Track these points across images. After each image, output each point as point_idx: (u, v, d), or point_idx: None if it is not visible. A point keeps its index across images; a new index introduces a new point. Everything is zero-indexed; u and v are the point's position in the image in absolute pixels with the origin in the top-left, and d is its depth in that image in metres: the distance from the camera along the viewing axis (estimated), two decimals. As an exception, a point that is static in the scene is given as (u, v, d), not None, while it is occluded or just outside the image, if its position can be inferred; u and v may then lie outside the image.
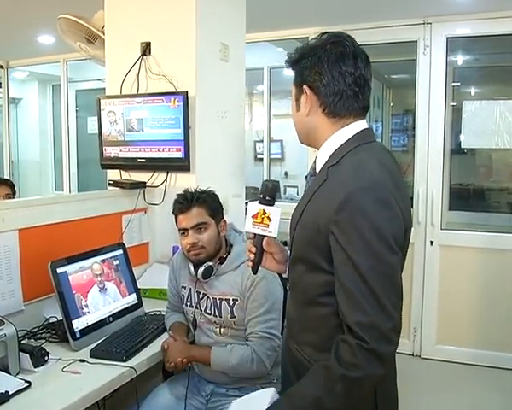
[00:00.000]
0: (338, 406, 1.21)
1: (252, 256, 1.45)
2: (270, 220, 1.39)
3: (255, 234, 1.43)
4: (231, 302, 2.14)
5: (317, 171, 1.37)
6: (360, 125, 1.35)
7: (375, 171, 1.24)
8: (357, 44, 1.35)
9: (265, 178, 5.00)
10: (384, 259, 1.17)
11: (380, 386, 1.29)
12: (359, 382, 1.18)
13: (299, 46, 1.40)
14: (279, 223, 1.40)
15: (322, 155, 1.36)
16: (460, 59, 4.83)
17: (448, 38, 4.11)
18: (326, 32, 1.37)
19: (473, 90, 5.42)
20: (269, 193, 1.41)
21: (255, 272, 1.49)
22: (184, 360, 2.06)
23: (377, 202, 1.19)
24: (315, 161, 1.45)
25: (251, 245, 1.45)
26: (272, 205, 1.41)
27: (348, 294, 1.18)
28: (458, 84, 4.89)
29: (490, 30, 4.00)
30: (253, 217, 1.41)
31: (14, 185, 3.69)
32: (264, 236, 1.42)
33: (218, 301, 2.16)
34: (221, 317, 2.16)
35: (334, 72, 1.31)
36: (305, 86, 1.36)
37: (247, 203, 3.43)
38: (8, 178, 5.37)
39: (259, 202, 1.41)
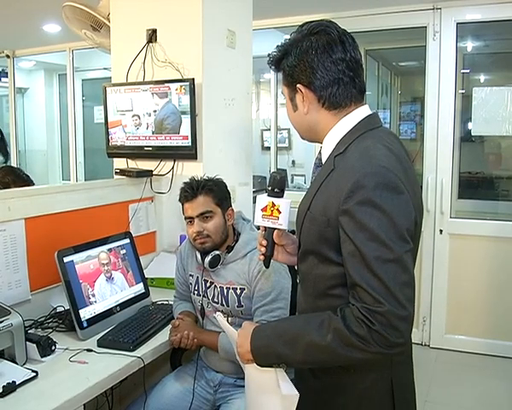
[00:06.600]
0: (324, 351, 1.18)
1: (263, 250, 1.42)
2: (279, 213, 1.36)
3: (265, 227, 1.40)
4: (238, 291, 2.13)
5: (324, 161, 1.34)
6: (363, 111, 1.31)
7: (382, 156, 1.19)
8: (340, 28, 1.30)
9: (273, 170, 4.96)
10: (393, 248, 1.11)
11: (396, 373, 1.28)
12: (358, 350, 1.13)
13: (280, 43, 1.34)
14: (289, 214, 1.37)
15: (328, 145, 1.33)
16: (470, 45, 4.77)
17: (458, 23, 4.03)
18: (305, 23, 1.32)
19: (483, 77, 5.36)
20: (277, 185, 1.38)
21: (267, 266, 1.45)
22: (195, 340, 2.07)
23: (385, 187, 1.14)
24: (320, 152, 1.41)
25: (262, 238, 1.42)
26: (281, 197, 1.38)
27: (358, 287, 1.13)
28: (468, 70, 4.83)
29: (500, 15, 3.92)
30: (262, 210, 1.38)
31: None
32: (275, 228, 1.39)
33: (226, 290, 2.15)
34: (228, 306, 2.15)
35: (326, 62, 1.26)
36: (299, 85, 1.30)
37: (254, 192, 3.41)
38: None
39: (268, 195, 1.38)
